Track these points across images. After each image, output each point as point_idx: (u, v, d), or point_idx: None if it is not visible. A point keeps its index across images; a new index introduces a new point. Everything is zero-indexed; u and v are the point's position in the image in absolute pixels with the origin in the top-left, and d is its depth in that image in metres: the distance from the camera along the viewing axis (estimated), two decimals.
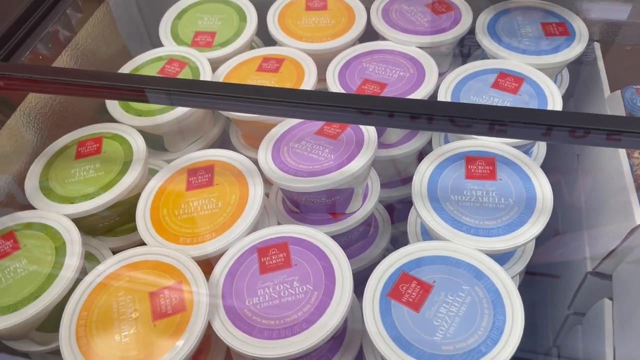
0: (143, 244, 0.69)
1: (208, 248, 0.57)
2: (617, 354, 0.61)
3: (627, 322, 0.60)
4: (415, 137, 0.76)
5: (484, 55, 0.78)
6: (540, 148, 0.72)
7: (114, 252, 0.65)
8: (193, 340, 0.50)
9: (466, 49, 0.84)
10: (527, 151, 0.68)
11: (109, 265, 0.56)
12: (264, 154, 0.66)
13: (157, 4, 0.91)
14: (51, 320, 0.56)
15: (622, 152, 0.66)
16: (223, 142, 0.82)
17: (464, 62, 0.85)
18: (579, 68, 0.83)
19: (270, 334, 0.51)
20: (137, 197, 0.67)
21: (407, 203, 0.82)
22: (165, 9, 0.85)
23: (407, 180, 0.81)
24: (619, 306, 0.62)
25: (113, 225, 0.68)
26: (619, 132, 0.48)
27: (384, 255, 0.74)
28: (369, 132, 0.66)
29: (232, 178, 0.63)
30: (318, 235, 0.57)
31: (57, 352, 0.60)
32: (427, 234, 0.65)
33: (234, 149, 0.80)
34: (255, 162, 0.65)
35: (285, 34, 0.80)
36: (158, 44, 0.81)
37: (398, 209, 0.81)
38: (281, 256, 0.56)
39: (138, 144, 0.68)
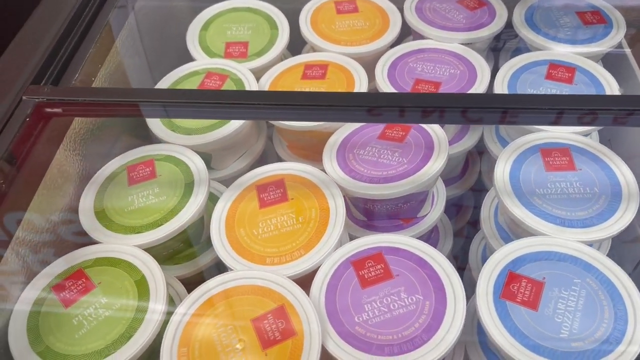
0: (210, 270, 0.65)
1: (300, 266, 0.54)
2: None
3: None
4: (467, 135, 0.75)
5: (523, 48, 0.78)
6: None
7: (181, 281, 0.62)
8: None
9: (495, 44, 0.85)
10: None
11: (199, 295, 0.52)
12: (330, 163, 0.64)
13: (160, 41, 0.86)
14: None
15: None
16: (265, 155, 0.79)
17: (496, 56, 0.85)
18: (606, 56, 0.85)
19: (392, 349, 0.48)
20: (200, 220, 0.63)
21: (455, 201, 0.82)
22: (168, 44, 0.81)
23: (453, 180, 0.81)
24: None
25: (174, 253, 0.64)
26: None
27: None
28: (436, 132, 0.65)
29: (306, 191, 0.60)
30: (412, 242, 0.55)
31: None
32: (503, 231, 0.64)
33: (278, 160, 0.77)
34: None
35: (322, 39, 0.78)
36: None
37: (450, 208, 0.80)
38: (379, 268, 0.54)
39: (196, 164, 0.64)
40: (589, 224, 0.55)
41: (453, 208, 0.82)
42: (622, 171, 0.59)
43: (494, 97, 0.57)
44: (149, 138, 0.71)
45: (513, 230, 0.61)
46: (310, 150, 0.73)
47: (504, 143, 0.73)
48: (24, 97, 0.53)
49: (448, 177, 0.80)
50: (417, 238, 0.64)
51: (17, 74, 0.56)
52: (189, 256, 0.65)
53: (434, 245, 0.73)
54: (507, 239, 0.63)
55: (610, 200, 0.57)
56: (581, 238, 0.54)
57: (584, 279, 0.51)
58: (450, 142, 0.75)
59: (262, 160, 0.78)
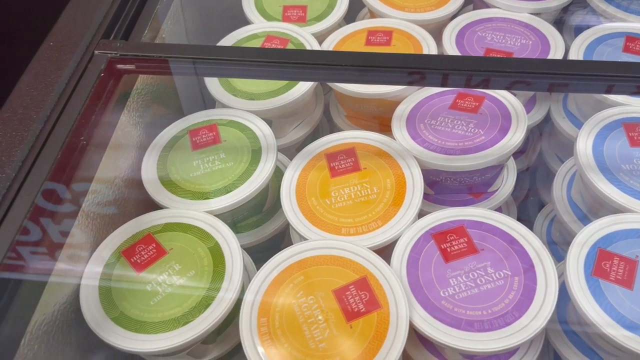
0: (274, 239, 0.63)
1: (378, 238, 0.52)
2: None
3: None
4: (534, 109, 0.72)
5: (590, 21, 0.75)
6: None
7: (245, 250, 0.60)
8: (400, 342, 0.45)
9: (561, 15, 0.81)
10: None
11: (275, 264, 0.50)
12: (400, 132, 0.61)
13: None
14: (212, 331, 0.50)
15: None
16: (320, 124, 0.76)
17: (559, 29, 0.82)
18: None
19: (482, 325, 0.46)
20: (265, 188, 0.61)
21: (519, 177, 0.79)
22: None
23: (514, 156, 0.78)
24: None
25: (238, 221, 0.62)
26: None
27: None
28: (512, 102, 0.62)
29: (379, 160, 0.58)
30: (496, 216, 0.53)
31: None
32: (577, 208, 0.62)
33: (333, 130, 0.74)
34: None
35: (386, 4, 0.74)
36: None
37: None
38: (462, 241, 0.52)
39: (262, 129, 0.61)
40: None
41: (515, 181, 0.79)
42: None
43: (591, 64, 0.55)
44: (206, 103, 0.68)
45: (592, 208, 0.59)
46: (371, 120, 0.70)
47: (572, 118, 0.70)
48: (96, 52, 0.50)
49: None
50: None
51: (84, 28, 0.53)
52: (250, 225, 0.63)
53: None
54: (581, 217, 0.61)
55: None
56: None
57: None
58: None
59: (318, 130, 0.75)
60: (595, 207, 0.58)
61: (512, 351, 0.53)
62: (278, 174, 0.65)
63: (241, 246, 0.60)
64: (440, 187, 0.63)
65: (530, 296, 0.48)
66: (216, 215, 0.56)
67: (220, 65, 0.52)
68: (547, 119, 0.73)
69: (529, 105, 0.73)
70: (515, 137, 0.58)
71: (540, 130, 0.80)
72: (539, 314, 0.46)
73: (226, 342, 0.54)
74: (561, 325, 0.54)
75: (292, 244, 0.52)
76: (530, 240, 0.51)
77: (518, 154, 0.77)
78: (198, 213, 0.54)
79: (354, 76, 0.58)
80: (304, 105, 0.69)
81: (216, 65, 0.52)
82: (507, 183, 0.64)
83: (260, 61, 0.50)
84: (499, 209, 0.71)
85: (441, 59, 0.59)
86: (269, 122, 0.67)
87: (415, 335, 0.53)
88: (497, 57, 0.66)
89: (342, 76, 0.59)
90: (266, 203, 0.63)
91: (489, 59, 0.59)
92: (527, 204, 0.79)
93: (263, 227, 0.62)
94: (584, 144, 0.58)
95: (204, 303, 0.48)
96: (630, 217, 0.52)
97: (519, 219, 0.76)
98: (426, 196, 0.64)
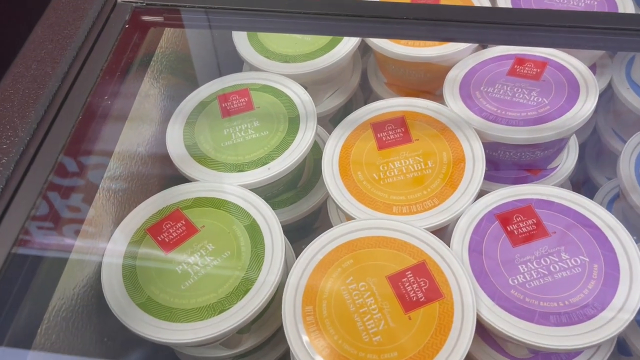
0: (308, 218, 0.58)
1: (436, 218, 0.46)
2: None
3: None
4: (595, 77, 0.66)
5: None
6: None
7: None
8: (467, 337, 0.39)
9: None
10: None
11: (320, 246, 0.45)
12: (454, 101, 0.55)
13: None
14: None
15: None
16: (357, 94, 0.70)
17: None
18: None
19: (559, 319, 0.41)
20: (302, 163, 0.55)
21: None
22: None
23: None
24: None
25: (272, 197, 0.56)
26: None
27: None
28: (579, 69, 0.55)
29: (433, 131, 0.52)
30: (568, 195, 0.47)
31: (245, 355, 0.49)
32: None
33: (373, 100, 0.68)
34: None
35: None
36: None
37: None
38: (531, 223, 0.46)
39: (300, 95, 0.55)
40: None
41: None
42: None
43: None
44: (236, 66, 0.62)
45: None
46: (416, 87, 0.64)
47: (637, 88, 0.64)
48: (119, 0, 0.43)
49: None
50: None
51: None
52: (284, 202, 0.57)
53: None
54: None
55: None
56: None
57: None
58: None
59: (352, 101, 0.69)
60: None
61: None
62: (314, 146, 0.59)
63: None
64: (498, 163, 0.57)
65: (614, 286, 0.42)
66: (251, 190, 0.50)
67: (261, 17, 0.45)
68: (607, 90, 0.67)
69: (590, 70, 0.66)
70: (586, 106, 0.52)
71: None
72: (625, 306, 0.41)
73: (262, 331, 0.48)
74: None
75: (327, 225, 0.47)
76: (610, 223, 0.45)
77: None
78: (232, 187, 0.48)
79: (409, 31, 0.51)
80: (341, 70, 0.63)
81: (257, 18, 0.46)
82: (568, 160, 0.58)
83: (307, 13, 0.43)
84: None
85: (520, 12, 0.52)
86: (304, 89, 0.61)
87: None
88: (584, 11, 0.59)
89: (395, 31, 0.52)
90: (302, 178, 0.57)
91: (574, 13, 0.52)
92: (578, 186, 0.73)
93: (298, 204, 0.57)
94: None
95: (242, 288, 0.42)
96: None
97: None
98: None
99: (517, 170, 0.57)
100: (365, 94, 0.74)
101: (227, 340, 0.46)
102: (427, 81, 0.61)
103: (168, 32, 0.54)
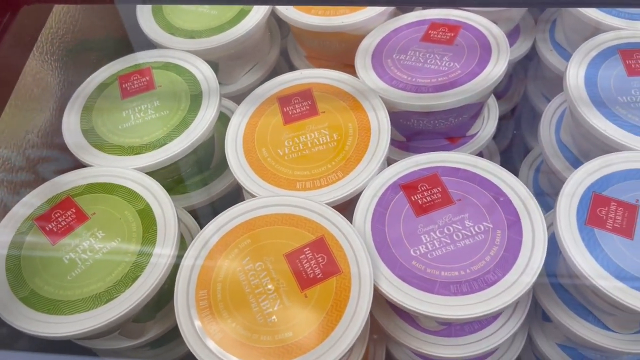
0: (226, 199, 0.56)
1: (339, 191, 0.45)
2: None
3: None
4: (518, 42, 0.64)
5: None
6: None
7: (190, 213, 0.52)
8: (364, 311, 0.38)
9: None
10: None
11: (218, 227, 0.43)
12: (365, 71, 0.53)
13: None
14: (146, 307, 0.43)
15: None
16: (278, 70, 0.68)
17: None
18: None
19: (459, 288, 0.40)
20: (210, 140, 0.53)
21: (502, 120, 0.72)
22: None
23: (496, 96, 0.70)
24: None
25: (179, 180, 0.54)
26: None
27: None
28: (492, 31, 0.54)
29: (340, 103, 0.50)
30: (475, 161, 0.46)
31: (150, 345, 0.47)
32: (567, 151, 0.55)
33: None
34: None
35: None
36: None
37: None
38: (436, 192, 0.44)
39: (203, 71, 0.53)
40: None
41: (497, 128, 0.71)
42: None
43: None
44: (142, 45, 0.59)
45: (583, 149, 0.52)
46: (336, 59, 0.62)
47: (561, 51, 0.62)
48: None
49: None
50: None
51: None
52: (197, 184, 0.55)
53: None
54: (572, 161, 0.54)
55: None
56: None
57: None
58: None
59: (274, 76, 0.67)
60: (588, 149, 0.51)
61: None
62: (227, 124, 0.57)
63: (188, 209, 0.53)
64: (413, 132, 0.55)
65: (516, 251, 0.41)
66: (153, 173, 0.47)
67: None
68: (533, 54, 0.65)
69: (511, 37, 0.65)
70: (496, 69, 0.50)
71: (525, 69, 0.72)
72: (526, 270, 0.39)
73: (168, 320, 0.46)
74: (550, 281, 0.47)
75: None
76: (515, 187, 0.44)
77: (500, 95, 0.69)
78: (127, 171, 0.46)
79: None
80: (255, 44, 0.60)
81: None
82: (487, 125, 0.56)
83: None
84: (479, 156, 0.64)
85: None
86: (215, 66, 0.58)
87: (387, 302, 0.46)
88: None
89: None
90: (214, 158, 0.55)
91: None
92: (512, 153, 0.72)
93: (212, 185, 0.54)
94: (575, 75, 0.50)
95: (132, 275, 0.40)
96: (628, 155, 0.45)
97: (510, 167, 0.70)
98: (398, 144, 0.57)
99: (436, 139, 0.56)
100: (293, 70, 0.71)
101: (125, 330, 0.44)
102: (344, 52, 0.59)
103: (60, 12, 0.51)
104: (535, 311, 0.51)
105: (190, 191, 0.54)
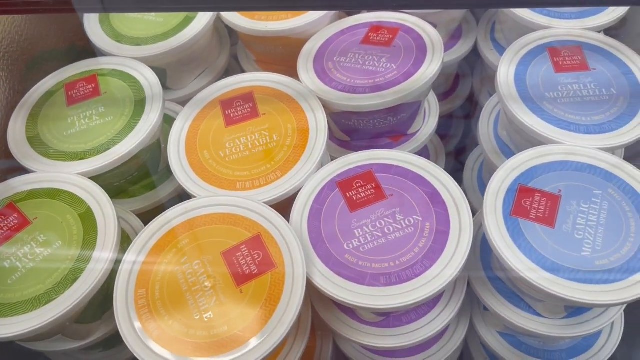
0: (175, 201, 0.57)
1: (276, 190, 0.46)
2: None
3: None
4: (460, 42, 0.66)
5: None
6: None
7: (139, 217, 0.53)
8: (296, 304, 0.39)
9: None
10: None
11: (157, 228, 0.44)
12: (306, 73, 0.54)
13: None
14: (89, 308, 0.44)
15: None
16: (229, 74, 0.69)
17: None
18: None
19: (389, 278, 0.41)
20: (156, 145, 0.54)
21: (450, 119, 0.74)
22: None
23: (444, 95, 0.73)
24: None
25: (128, 184, 0.55)
26: None
27: None
28: (429, 33, 0.56)
29: (280, 105, 0.51)
30: (407, 158, 0.48)
31: (102, 346, 0.48)
32: (505, 146, 0.57)
33: None
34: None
35: None
36: None
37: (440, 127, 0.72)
38: (369, 187, 0.46)
39: (147, 77, 0.54)
40: (608, 129, 0.48)
41: (444, 126, 0.74)
42: None
43: None
44: (90, 53, 0.60)
45: (517, 143, 0.54)
46: (283, 63, 0.63)
47: (500, 50, 0.65)
48: None
49: (438, 92, 0.71)
50: None
51: None
52: (146, 187, 0.56)
53: None
54: (509, 155, 0.56)
55: (630, 102, 0.50)
56: (599, 144, 0.47)
57: (605, 190, 0.44)
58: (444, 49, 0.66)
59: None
60: (521, 143, 0.53)
61: (434, 302, 0.48)
62: None
63: (137, 212, 0.54)
64: (356, 132, 0.57)
65: (443, 243, 0.42)
66: (99, 177, 0.48)
67: None
68: (478, 53, 0.68)
69: (454, 38, 0.67)
70: (430, 69, 0.52)
71: (472, 67, 0.74)
72: (451, 262, 0.41)
73: (114, 320, 0.47)
74: (485, 272, 0.49)
75: None
76: (444, 181, 0.46)
77: (447, 94, 0.72)
78: (69, 176, 0.47)
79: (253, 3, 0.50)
80: (203, 50, 0.61)
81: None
82: (428, 123, 0.58)
83: None
84: (424, 154, 0.66)
85: None
86: (163, 72, 0.60)
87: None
88: None
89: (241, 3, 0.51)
90: (161, 162, 0.56)
91: None
92: (462, 149, 0.74)
93: (159, 189, 0.56)
94: (506, 73, 0.52)
95: (71, 277, 0.41)
96: (554, 148, 0.47)
97: (454, 166, 0.72)
98: (343, 143, 0.58)
99: (378, 138, 0.58)
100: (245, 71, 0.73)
101: (70, 331, 0.45)
102: (290, 56, 0.61)
103: (5, 22, 0.52)
104: (478, 301, 0.53)
105: (139, 195, 0.55)
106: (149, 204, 0.55)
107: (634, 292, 0.39)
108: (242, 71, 0.68)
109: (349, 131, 0.57)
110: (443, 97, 0.71)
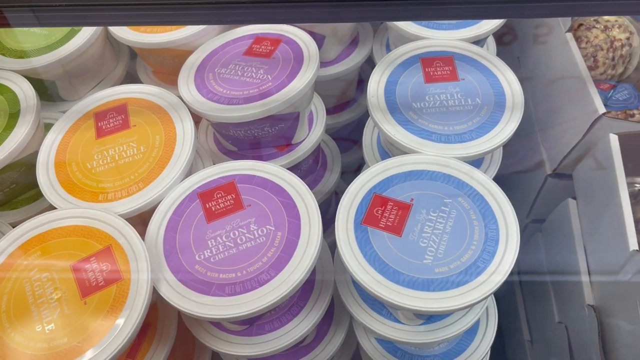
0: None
1: (135, 202, 0.46)
2: (588, 251, 0.58)
3: (596, 219, 0.57)
4: (355, 51, 0.67)
5: None
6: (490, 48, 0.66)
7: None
8: (137, 314, 0.40)
9: None
10: None
11: (11, 240, 0.44)
12: (186, 85, 0.55)
13: None
14: None
15: (573, 42, 0.62)
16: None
17: None
18: None
19: (233, 288, 0.42)
20: (34, 156, 0.54)
21: (353, 128, 0.75)
22: None
23: (348, 104, 0.74)
24: (585, 204, 0.59)
25: (9, 196, 0.55)
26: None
27: (335, 190, 0.67)
28: (308, 45, 0.56)
29: (151, 116, 0.52)
30: (269, 168, 0.48)
31: None
32: (386, 155, 0.58)
33: None
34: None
35: None
36: None
37: (344, 137, 0.73)
38: (229, 198, 0.47)
39: (24, 90, 0.54)
40: (467, 138, 0.49)
41: (354, 132, 0.74)
42: (508, 79, 0.53)
43: None
44: None
45: (392, 152, 0.55)
46: (177, 73, 0.64)
47: None
48: None
49: (341, 101, 0.72)
50: (292, 168, 0.58)
51: None
52: (28, 199, 0.56)
53: (320, 175, 0.66)
54: None
55: (493, 112, 0.51)
56: (457, 154, 0.48)
57: (455, 199, 0.45)
58: (337, 60, 0.67)
59: None
60: (396, 152, 0.54)
61: (297, 309, 0.49)
62: None
63: (17, 224, 0.54)
64: (241, 142, 0.58)
65: (291, 251, 0.43)
66: None
67: None
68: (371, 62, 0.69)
69: (352, 45, 0.68)
70: (302, 80, 0.53)
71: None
72: (297, 269, 0.42)
73: None
74: (347, 278, 0.50)
75: None
76: (301, 191, 0.46)
77: (352, 101, 0.72)
78: None
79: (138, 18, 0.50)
80: (95, 61, 0.62)
81: None
82: (314, 132, 0.59)
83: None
84: (321, 160, 0.67)
85: None
86: (52, 84, 0.60)
87: None
88: None
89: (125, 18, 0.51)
90: None
91: None
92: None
93: (41, 201, 0.56)
94: (376, 83, 0.53)
95: None
96: (412, 158, 0.48)
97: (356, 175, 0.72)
98: (231, 153, 0.59)
99: (265, 148, 0.58)
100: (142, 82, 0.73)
101: None
102: (180, 67, 0.61)
103: None
104: None
105: (20, 207, 0.55)
106: (31, 215, 0.55)
107: (465, 299, 0.40)
108: (140, 82, 0.69)
109: (234, 141, 0.58)
110: (349, 104, 0.72)
